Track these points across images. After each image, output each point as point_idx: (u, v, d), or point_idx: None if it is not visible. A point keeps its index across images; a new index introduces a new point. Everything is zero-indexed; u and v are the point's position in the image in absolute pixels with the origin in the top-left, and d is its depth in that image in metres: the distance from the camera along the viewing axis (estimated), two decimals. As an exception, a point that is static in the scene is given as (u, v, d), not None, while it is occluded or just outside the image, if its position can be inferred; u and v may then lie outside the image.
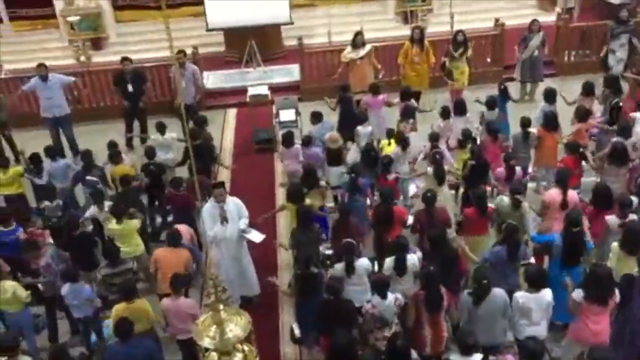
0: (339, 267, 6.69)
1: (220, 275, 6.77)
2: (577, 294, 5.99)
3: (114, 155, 8.78)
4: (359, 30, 11.30)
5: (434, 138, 8.74)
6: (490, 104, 9.49)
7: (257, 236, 7.43)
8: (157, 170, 8.66)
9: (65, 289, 6.77)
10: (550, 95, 9.43)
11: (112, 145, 9.03)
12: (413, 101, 9.99)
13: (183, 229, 7.37)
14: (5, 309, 6.76)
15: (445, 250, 6.64)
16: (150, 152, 8.87)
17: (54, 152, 9.21)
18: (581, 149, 8.48)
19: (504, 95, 10.10)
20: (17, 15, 14.24)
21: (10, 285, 6.69)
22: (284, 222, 8.81)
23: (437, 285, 6.15)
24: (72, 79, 10.95)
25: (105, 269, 6.92)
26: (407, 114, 9.44)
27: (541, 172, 8.96)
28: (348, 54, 11.04)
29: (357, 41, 11.00)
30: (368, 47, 11.04)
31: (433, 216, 7.18)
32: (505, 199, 7.40)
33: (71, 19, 13.56)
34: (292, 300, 7.35)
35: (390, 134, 9.17)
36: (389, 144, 9.05)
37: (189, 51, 11.69)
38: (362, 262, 6.74)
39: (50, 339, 7.38)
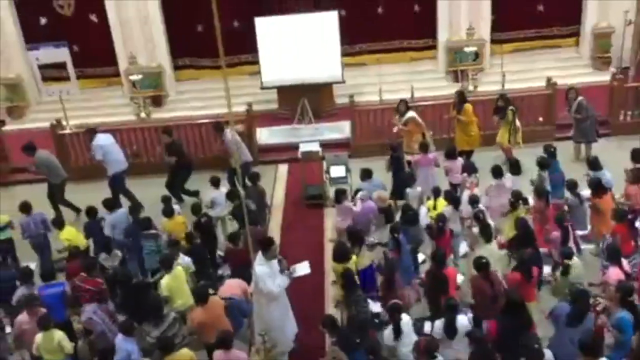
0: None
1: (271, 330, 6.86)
2: None
3: (167, 210, 9.04)
4: (403, 98, 11.55)
5: (474, 201, 8.72)
6: (543, 165, 9.38)
7: (304, 268, 7.39)
8: (209, 223, 8.86)
9: (119, 340, 6.85)
10: (594, 163, 9.28)
11: (166, 200, 9.36)
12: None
13: (234, 283, 7.45)
14: (49, 358, 6.89)
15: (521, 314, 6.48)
16: (196, 208, 9.10)
17: (113, 204, 9.50)
18: (630, 216, 8.22)
19: (552, 157, 9.97)
20: (84, 74, 15.06)
21: (57, 334, 6.86)
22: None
23: (486, 345, 5.96)
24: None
25: (154, 331, 6.97)
26: (470, 170, 9.44)
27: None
28: (396, 120, 11.30)
29: (400, 108, 11.26)
30: (410, 113, 11.17)
31: (491, 282, 7.04)
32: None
33: (134, 77, 14.30)
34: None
35: (437, 193, 9.16)
36: (434, 206, 9.02)
37: (243, 108, 12.09)
38: (404, 318, 6.64)
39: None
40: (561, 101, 11.94)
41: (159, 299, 7.29)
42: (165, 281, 7.64)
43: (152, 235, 8.72)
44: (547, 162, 9.44)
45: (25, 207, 9.33)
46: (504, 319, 6.51)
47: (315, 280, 8.92)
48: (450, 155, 10.06)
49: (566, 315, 6.43)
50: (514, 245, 7.98)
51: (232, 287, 7.41)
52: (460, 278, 8.23)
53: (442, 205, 8.97)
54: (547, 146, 10.02)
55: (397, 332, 6.52)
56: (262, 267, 7.06)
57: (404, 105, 11.28)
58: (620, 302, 6.47)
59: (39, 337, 6.87)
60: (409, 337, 6.60)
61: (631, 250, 7.90)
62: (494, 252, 7.76)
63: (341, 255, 7.64)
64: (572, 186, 8.81)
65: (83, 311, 7.32)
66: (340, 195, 9.08)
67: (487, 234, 7.81)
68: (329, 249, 9.66)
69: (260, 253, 7.10)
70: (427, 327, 7.08)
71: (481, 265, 7.07)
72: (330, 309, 8.45)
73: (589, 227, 8.91)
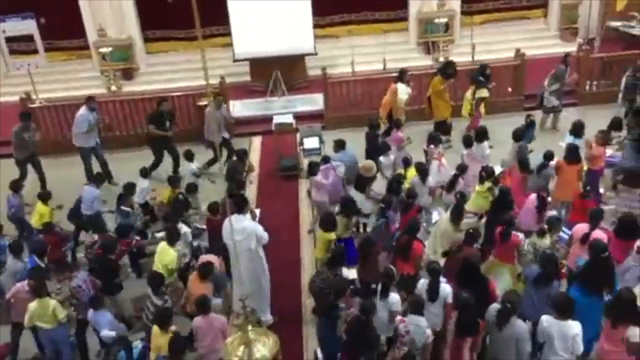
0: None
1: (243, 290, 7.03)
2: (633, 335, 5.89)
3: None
4: (405, 68, 11.55)
5: (462, 169, 8.93)
6: (515, 136, 9.56)
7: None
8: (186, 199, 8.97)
9: (90, 314, 7.04)
10: (578, 129, 9.52)
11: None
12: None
13: (212, 258, 7.59)
14: (41, 325, 7.00)
15: (478, 278, 6.72)
16: (174, 181, 9.25)
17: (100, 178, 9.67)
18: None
19: (531, 127, 10.20)
20: (52, 46, 14.80)
21: (51, 302, 6.97)
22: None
23: (471, 311, 6.20)
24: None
25: (158, 300, 7.06)
26: (435, 140, 9.64)
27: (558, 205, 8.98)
28: (406, 94, 11.15)
29: (406, 79, 11.23)
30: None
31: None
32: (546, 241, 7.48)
33: (103, 50, 14.11)
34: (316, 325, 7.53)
35: (407, 163, 9.35)
36: (405, 176, 9.19)
37: (216, 80, 12.09)
38: (395, 297, 6.77)
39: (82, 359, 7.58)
40: (531, 72, 12.17)
41: (160, 273, 7.36)
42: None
43: (121, 211, 8.79)
44: (523, 134, 9.60)
45: (15, 185, 9.41)
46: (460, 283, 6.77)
47: (291, 250, 9.11)
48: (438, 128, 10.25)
49: (534, 277, 6.70)
50: (492, 210, 8.20)
51: (209, 260, 7.54)
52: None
53: (412, 174, 9.15)
54: (527, 116, 10.26)
55: (384, 294, 6.67)
56: (249, 221, 7.49)
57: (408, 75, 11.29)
58: (590, 257, 6.75)
59: (33, 304, 6.94)
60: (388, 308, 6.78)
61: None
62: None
63: (329, 224, 7.78)
64: (549, 156, 8.96)
65: (75, 276, 7.36)
66: (313, 168, 9.19)
67: (458, 216, 7.86)
68: (305, 221, 9.85)
69: (236, 213, 7.34)
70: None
71: (470, 235, 7.30)
72: (306, 278, 8.62)
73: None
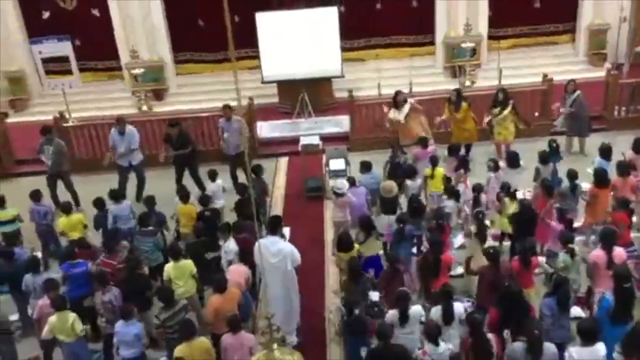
0: (391, 314, 6.77)
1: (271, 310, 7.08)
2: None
3: (183, 196, 9.29)
4: (398, 90, 11.67)
5: (478, 189, 8.93)
6: (544, 159, 9.58)
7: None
8: (212, 216, 9.05)
9: (118, 325, 7.09)
10: (606, 152, 9.48)
11: (183, 187, 9.78)
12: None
13: (240, 269, 7.67)
14: (62, 338, 7.14)
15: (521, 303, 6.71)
16: (205, 200, 9.30)
17: (118, 195, 9.65)
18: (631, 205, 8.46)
19: (556, 152, 10.17)
20: (85, 67, 15.20)
21: (71, 316, 7.10)
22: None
23: (482, 331, 6.18)
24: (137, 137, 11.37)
25: (163, 313, 7.15)
26: (462, 166, 9.70)
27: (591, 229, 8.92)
28: (392, 114, 11.36)
29: (398, 100, 11.36)
30: (408, 103, 11.32)
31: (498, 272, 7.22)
32: (567, 257, 7.43)
33: (135, 71, 14.47)
34: (340, 341, 7.59)
35: (434, 162, 9.55)
36: (432, 175, 9.46)
37: (245, 102, 12.27)
38: (416, 310, 6.84)
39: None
40: (557, 97, 12.15)
41: (169, 287, 7.45)
42: (167, 267, 7.88)
43: (149, 232, 8.81)
44: (549, 157, 9.61)
45: (34, 195, 9.59)
46: (503, 306, 6.71)
47: (315, 271, 9.14)
48: (453, 151, 10.27)
49: (556, 304, 6.63)
50: (515, 229, 8.20)
51: (238, 272, 7.61)
52: (459, 270, 8.47)
53: (440, 174, 9.29)
54: (550, 141, 10.24)
55: (404, 319, 6.68)
56: (284, 242, 7.59)
57: (403, 96, 11.41)
58: (614, 287, 6.67)
59: (53, 318, 7.09)
60: (414, 327, 6.80)
61: (629, 240, 8.05)
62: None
63: (346, 244, 7.87)
64: (573, 176, 8.95)
65: (108, 290, 7.46)
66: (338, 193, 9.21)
67: (482, 236, 7.95)
68: (329, 240, 9.88)
69: (269, 234, 7.56)
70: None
71: (490, 255, 7.26)
72: (330, 299, 8.66)
73: (582, 219, 9.10)
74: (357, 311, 6.81)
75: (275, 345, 5.75)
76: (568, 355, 6.04)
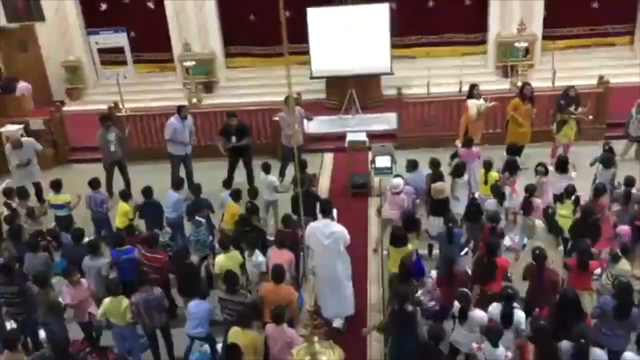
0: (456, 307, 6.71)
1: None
2: None
3: (235, 193, 9.30)
4: (474, 83, 11.49)
5: (530, 190, 8.77)
6: (607, 162, 9.34)
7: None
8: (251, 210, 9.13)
9: (191, 305, 7.30)
10: None
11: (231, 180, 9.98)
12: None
13: (285, 254, 7.68)
14: (114, 321, 7.36)
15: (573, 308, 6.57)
16: (253, 193, 9.38)
17: (181, 183, 9.87)
18: None
19: (610, 155, 9.87)
20: (139, 58, 15.56)
21: (125, 302, 7.30)
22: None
23: (550, 340, 6.04)
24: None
25: (224, 293, 7.29)
26: (511, 168, 9.52)
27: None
28: (479, 105, 11.09)
29: (475, 94, 11.19)
30: (482, 100, 11.17)
31: (542, 274, 7.09)
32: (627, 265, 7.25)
33: (187, 63, 14.73)
34: (381, 336, 7.55)
35: (488, 166, 9.41)
36: (485, 180, 9.34)
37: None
38: (478, 314, 6.70)
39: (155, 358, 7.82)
40: (613, 100, 11.79)
41: (234, 274, 7.42)
42: (219, 259, 7.96)
43: (195, 222, 8.95)
44: (612, 161, 9.37)
45: (93, 183, 9.85)
46: (558, 311, 6.58)
47: (358, 267, 9.12)
48: (513, 151, 10.08)
49: (612, 308, 6.47)
50: (575, 231, 8.02)
51: (281, 257, 7.65)
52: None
53: (494, 178, 9.20)
54: (605, 144, 9.98)
55: (462, 318, 6.63)
56: (336, 224, 7.70)
57: (478, 90, 11.20)
58: None
59: (107, 301, 7.31)
60: (473, 329, 6.68)
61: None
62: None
63: (399, 239, 7.78)
64: (629, 182, 8.71)
65: (146, 290, 7.42)
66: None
67: (557, 229, 7.87)
68: (372, 237, 9.88)
69: (322, 217, 7.71)
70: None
71: (537, 256, 7.13)
72: (373, 294, 8.65)
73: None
74: (409, 306, 6.70)
75: (316, 339, 5.79)
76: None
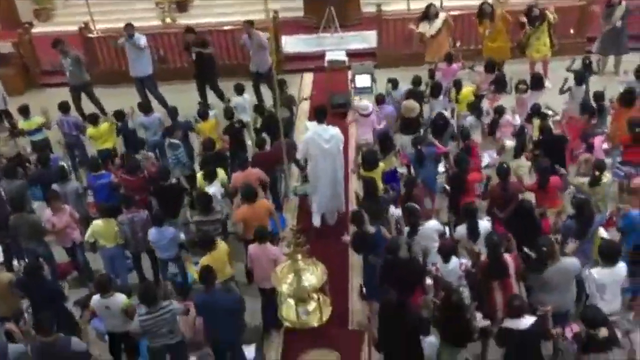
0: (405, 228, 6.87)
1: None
2: None
3: (202, 112, 9.23)
4: (431, 2, 11.27)
5: (500, 112, 8.82)
6: (580, 80, 9.31)
7: None
8: (240, 128, 9.08)
9: (152, 233, 7.28)
10: None
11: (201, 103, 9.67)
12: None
13: (254, 172, 7.80)
14: (104, 244, 7.47)
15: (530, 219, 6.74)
16: (228, 113, 9.26)
17: (147, 107, 9.70)
18: None
19: (589, 70, 9.88)
20: (108, -23, 14.85)
21: (114, 224, 7.42)
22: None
23: (499, 252, 6.17)
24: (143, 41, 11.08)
25: (198, 216, 7.38)
26: (500, 83, 9.53)
27: (616, 149, 8.73)
28: (422, 28, 11.06)
29: (430, 13, 11.01)
30: (442, 17, 11.00)
31: (507, 189, 7.19)
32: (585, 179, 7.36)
33: (159, -19, 14.15)
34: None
35: (458, 85, 9.44)
36: (457, 99, 9.39)
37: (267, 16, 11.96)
38: (430, 224, 6.88)
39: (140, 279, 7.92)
40: (595, 13, 11.65)
41: (207, 196, 7.45)
42: (199, 175, 8.03)
43: (172, 145, 8.86)
44: (584, 78, 9.35)
45: (62, 106, 9.68)
46: (511, 221, 6.75)
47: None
48: (488, 68, 10.00)
49: (575, 227, 6.63)
50: (538, 150, 8.08)
51: (252, 175, 7.75)
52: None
53: (466, 97, 9.19)
54: (585, 58, 9.91)
55: (413, 232, 6.76)
56: (332, 127, 8.14)
57: (435, 10, 11.06)
58: None
59: (98, 223, 7.41)
60: (427, 239, 6.83)
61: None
62: (522, 164, 7.93)
63: (369, 163, 7.85)
64: (599, 98, 8.75)
65: (133, 212, 7.53)
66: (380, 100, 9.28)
67: (520, 148, 7.94)
68: (351, 156, 9.88)
69: (318, 123, 8.14)
70: (447, 231, 7.39)
71: (501, 170, 7.24)
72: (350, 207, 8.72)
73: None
74: (371, 229, 6.76)
75: (299, 256, 5.91)
76: (590, 277, 6.01)
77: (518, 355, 5.59)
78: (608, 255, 6.02)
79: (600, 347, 5.42)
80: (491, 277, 6.18)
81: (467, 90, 9.40)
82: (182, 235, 7.51)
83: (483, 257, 6.31)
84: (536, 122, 8.69)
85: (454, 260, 6.37)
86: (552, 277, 6.00)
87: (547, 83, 9.51)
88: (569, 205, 7.46)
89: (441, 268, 6.33)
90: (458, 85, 9.48)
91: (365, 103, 9.22)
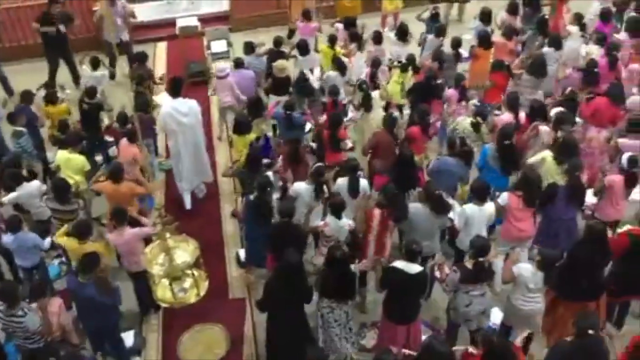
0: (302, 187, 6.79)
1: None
2: (502, 199, 6.54)
3: (51, 95, 8.54)
4: None
5: (376, 64, 8.99)
6: (438, 32, 9.63)
7: None
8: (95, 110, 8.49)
9: (8, 239, 6.47)
10: (486, 16, 9.69)
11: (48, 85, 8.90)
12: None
13: (132, 149, 7.48)
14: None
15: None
16: (92, 92, 8.55)
17: None
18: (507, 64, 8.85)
19: (436, 19, 10.28)
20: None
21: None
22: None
23: (403, 201, 6.41)
24: None
25: (53, 202, 6.79)
26: (355, 38, 9.65)
27: (473, 91, 9.17)
28: None
29: None
30: None
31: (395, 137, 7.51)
32: (467, 121, 7.74)
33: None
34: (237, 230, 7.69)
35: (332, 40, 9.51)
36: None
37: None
38: (300, 186, 6.87)
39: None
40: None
41: (65, 183, 6.94)
42: (58, 156, 7.51)
43: (15, 132, 8.01)
44: (443, 30, 9.67)
45: None
46: (395, 171, 6.96)
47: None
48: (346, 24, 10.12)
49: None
50: (414, 99, 8.39)
51: (128, 152, 7.47)
52: (349, 144, 8.59)
53: (327, 53, 9.31)
54: (433, 9, 10.32)
55: (318, 193, 6.78)
56: (189, 99, 7.78)
57: None
58: (496, 144, 7.21)
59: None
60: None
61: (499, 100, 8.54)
62: (377, 116, 8.14)
63: (243, 127, 7.72)
64: (456, 44, 9.15)
65: None
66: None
67: (367, 104, 8.08)
68: (215, 125, 9.70)
69: (173, 97, 7.69)
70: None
71: (388, 120, 7.49)
72: (220, 180, 8.60)
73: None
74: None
75: (168, 235, 5.73)
76: (461, 211, 6.40)
77: (400, 297, 5.74)
78: (479, 193, 6.44)
79: (486, 275, 5.70)
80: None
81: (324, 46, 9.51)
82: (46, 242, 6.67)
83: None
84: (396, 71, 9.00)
85: (345, 218, 6.33)
86: (417, 221, 6.31)
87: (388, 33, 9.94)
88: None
89: (331, 223, 6.31)
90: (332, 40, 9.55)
91: (222, 64, 9.01)
